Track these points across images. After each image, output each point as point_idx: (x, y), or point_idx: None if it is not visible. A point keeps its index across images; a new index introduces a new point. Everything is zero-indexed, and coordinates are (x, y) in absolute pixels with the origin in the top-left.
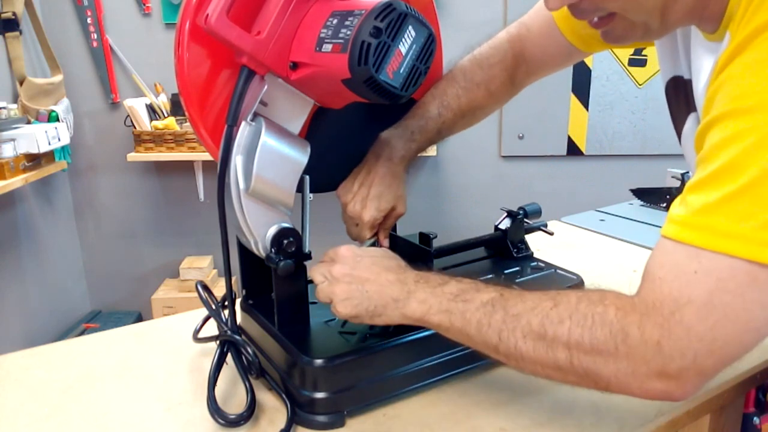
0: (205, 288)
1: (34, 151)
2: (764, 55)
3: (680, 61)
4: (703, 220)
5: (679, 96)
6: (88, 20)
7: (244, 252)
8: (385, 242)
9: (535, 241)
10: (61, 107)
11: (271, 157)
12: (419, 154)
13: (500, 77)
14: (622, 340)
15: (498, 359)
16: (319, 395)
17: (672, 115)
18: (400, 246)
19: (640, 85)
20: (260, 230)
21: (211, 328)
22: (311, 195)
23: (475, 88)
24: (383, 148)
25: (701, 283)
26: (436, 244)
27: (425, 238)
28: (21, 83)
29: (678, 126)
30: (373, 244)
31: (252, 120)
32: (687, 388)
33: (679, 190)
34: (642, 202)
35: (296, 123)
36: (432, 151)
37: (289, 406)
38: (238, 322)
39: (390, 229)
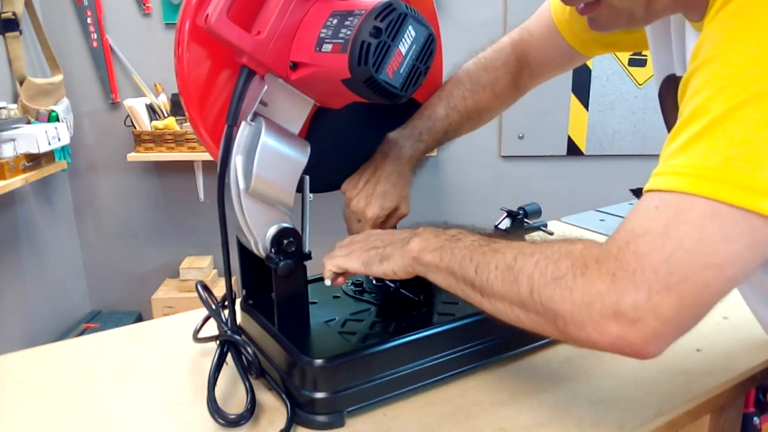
0: (205, 288)
1: (34, 151)
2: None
3: (673, 59)
4: (668, 165)
5: (673, 94)
6: (88, 20)
7: (244, 252)
8: None
9: None
10: (61, 107)
11: (271, 157)
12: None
13: (505, 80)
14: (581, 272)
15: (475, 302)
16: (319, 395)
17: (664, 115)
18: None
19: (640, 85)
20: (260, 230)
21: (211, 328)
22: (311, 195)
23: (481, 90)
24: (391, 148)
25: (660, 215)
26: None
27: None
28: (21, 83)
29: (670, 125)
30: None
31: (252, 120)
32: (647, 335)
33: None
34: None
35: (296, 123)
36: (432, 151)
37: (289, 406)
38: (238, 322)
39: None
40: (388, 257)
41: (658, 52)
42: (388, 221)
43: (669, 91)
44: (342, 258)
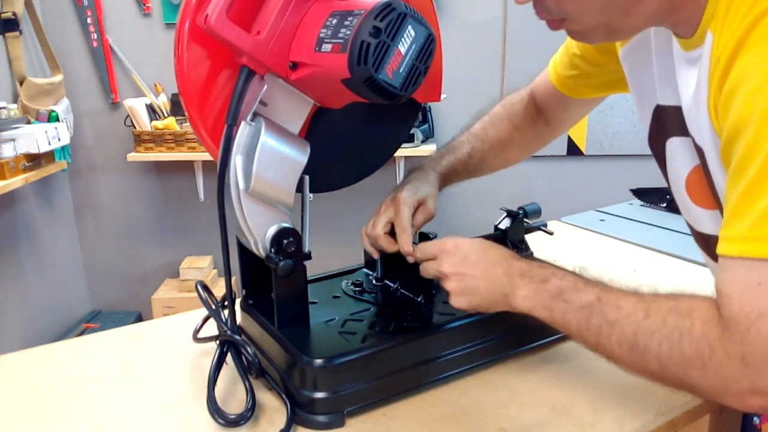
0: (205, 288)
1: (34, 151)
2: None
3: (656, 87)
4: (756, 231)
5: (658, 123)
6: (88, 20)
7: (244, 252)
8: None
9: (535, 241)
10: (61, 107)
11: (270, 157)
12: (455, 180)
13: (522, 114)
14: (709, 356)
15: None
16: (319, 395)
17: (655, 148)
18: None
19: None
20: (260, 230)
21: (211, 328)
22: (311, 195)
23: (499, 121)
24: (416, 167)
25: (766, 294)
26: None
27: (425, 237)
28: (21, 83)
29: (657, 154)
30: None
31: (252, 120)
32: None
33: None
34: (642, 202)
35: (296, 123)
36: (432, 151)
37: (289, 406)
38: (238, 322)
39: (419, 227)
40: (492, 307)
41: (640, 79)
42: (416, 217)
43: (660, 125)
44: (445, 287)
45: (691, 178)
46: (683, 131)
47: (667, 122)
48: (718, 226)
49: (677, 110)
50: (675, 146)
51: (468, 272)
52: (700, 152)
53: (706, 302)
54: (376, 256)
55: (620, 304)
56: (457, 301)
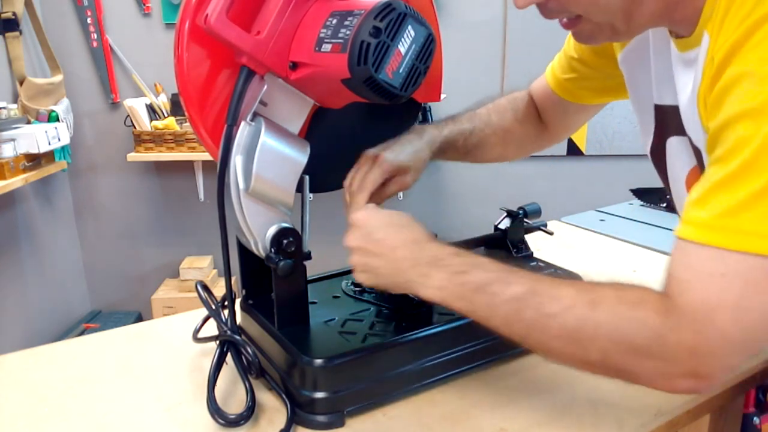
0: (205, 288)
1: (34, 151)
2: None
3: (653, 86)
4: (728, 221)
5: (657, 123)
6: (88, 20)
7: (244, 252)
8: None
9: (535, 241)
10: (61, 107)
11: (270, 157)
12: (450, 155)
13: (525, 110)
14: (661, 344)
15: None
16: (319, 395)
17: (656, 144)
18: None
19: None
20: (260, 230)
21: (211, 328)
22: (311, 195)
23: (503, 110)
24: (415, 129)
25: (731, 285)
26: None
27: None
28: (21, 83)
29: (657, 154)
30: None
31: (252, 120)
32: (714, 382)
33: None
34: (642, 202)
35: (296, 123)
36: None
37: (288, 406)
38: (238, 322)
39: (386, 198)
40: (396, 288)
41: (638, 80)
42: (388, 185)
43: (660, 125)
44: (351, 261)
45: (690, 177)
46: (681, 131)
47: (665, 122)
48: None
49: (675, 110)
50: (674, 146)
51: (370, 249)
52: (696, 152)
53: (653, 293)
54: None
55: (558, 295)
56: (360, 277)
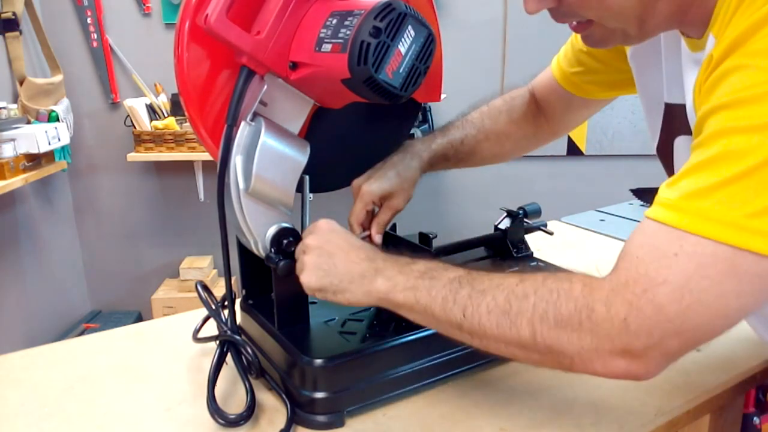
0: (205, 288)
1: (34, 151)
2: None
3: (663, 86)
4: (692, 204)
5: (666, 121)
6: (88, 20)
7: (244, 252)
8: (377, 238)
9: (535, 241)
10: (61, 107)
11: (270, 157)
12: (442, 166)
13: (521, 110)
14: (587, 315)
15: (462, 340)
16: (319, 395)
17: (663, 140)
18: (399, 246)
19: None
20: (260, 230)
21: (211, 328)
22: (311, 195)
23: (497, 113)
24: (404, 145)
25: (681, 265)
26: (436, 243)
27: (425, 238)
28: (21, 83)
29: (665, 153)
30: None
31: (252, 120)
32: (650, 367)
33: None
34: (642, 202)
35: (296, 123)
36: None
37: (288, 406)
38: (238, 322)
39: (385, 224)
40: (344, 291)
41: (648, 77)
42: (381, 213)
43: (668, 123)
44: (300, 264)
45: None
46: (688, 130)
47: (674, 121)
48: None
49: (683, 109)
50: (681, 146)
51: (330, 248)
52: None
53: (582, 273)
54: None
55: (492, 275)
56: (308, 275)
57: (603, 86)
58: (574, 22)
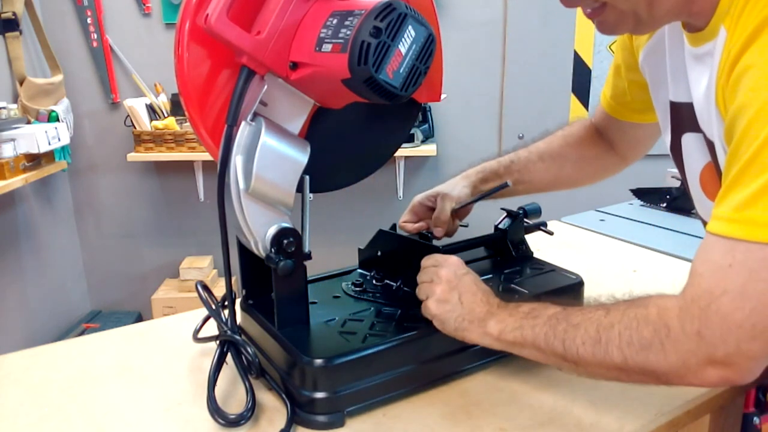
0: (205, 288)
1: (34, 151)
2: None
3: (668, 84)
4: (740, 214)
5: (673, 119)
6: (88, 20)
7: (244, 252)
8: (437, 231)
9: (535, 241)
10: (61, 107)
11: (271, 157)
12: (496, 182)
13: (578, 134)
14: (666, 335)
15: (570, 370)
16: (319, 395)
17: (674, 139)
18: (402, 244)
19: None
20: (260, 230)
21: (211, 328)
22: (311, 195)
23: (552, 137)
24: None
25: (736, 274)
26: (435, 243)
27: (425, 237)
28: (21, 83)
29: (675, 150)
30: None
31: (252, 120)
32: (743, 372)
33: (678, 190)
34: (642, 202)
35: (296, 123)
36: (432, 151)
37: (289, 406)
38: (238, 322)
39: (453, 232)
40: (464, 330)
41: (656, 79)
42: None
43: (675, 121)
44: (425, 294)
45: (704, 173)
46: (695, 127)
47: (680, 119)
48: None
49: (689, 107)
50: (689, 143)
51: (461, 286)
52: (711, 148)
53: (659, 294)
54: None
55: (583, 310)
56: (436, 305)
57: (635, 111)
58: (588, 10)
